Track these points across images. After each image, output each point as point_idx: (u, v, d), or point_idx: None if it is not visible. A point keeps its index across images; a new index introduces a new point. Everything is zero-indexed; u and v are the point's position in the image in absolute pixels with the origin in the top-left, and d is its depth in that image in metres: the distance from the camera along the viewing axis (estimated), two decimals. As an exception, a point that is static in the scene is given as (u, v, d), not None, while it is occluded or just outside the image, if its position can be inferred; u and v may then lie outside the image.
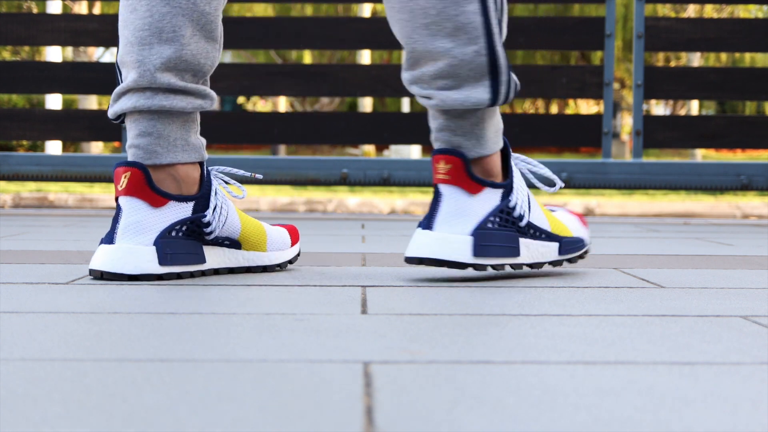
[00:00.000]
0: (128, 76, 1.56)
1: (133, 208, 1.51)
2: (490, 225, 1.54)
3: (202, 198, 1.57)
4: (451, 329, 1.09)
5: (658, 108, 25.20)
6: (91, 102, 16.15)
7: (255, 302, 1.29)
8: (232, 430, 0.67)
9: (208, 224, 1.57)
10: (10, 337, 1.01)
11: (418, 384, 0.81)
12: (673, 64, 21.98)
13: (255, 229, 1.67)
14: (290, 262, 1.72)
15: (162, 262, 1.50)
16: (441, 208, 1.54)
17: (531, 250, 1.58)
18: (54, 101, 13.37)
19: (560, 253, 1.61)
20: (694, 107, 20.32)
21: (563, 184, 1.66)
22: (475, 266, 1.53)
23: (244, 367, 0.87)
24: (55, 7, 13.83)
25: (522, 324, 1.13)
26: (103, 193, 9.95)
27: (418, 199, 9.51)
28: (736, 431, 0.68)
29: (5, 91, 4.06)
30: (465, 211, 1.53)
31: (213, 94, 1.59)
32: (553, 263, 1.62)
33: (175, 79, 1.54)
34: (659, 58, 21.17)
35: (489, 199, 1.54)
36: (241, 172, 1.67)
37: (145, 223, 1.51)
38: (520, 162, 1.62)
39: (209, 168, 1.62)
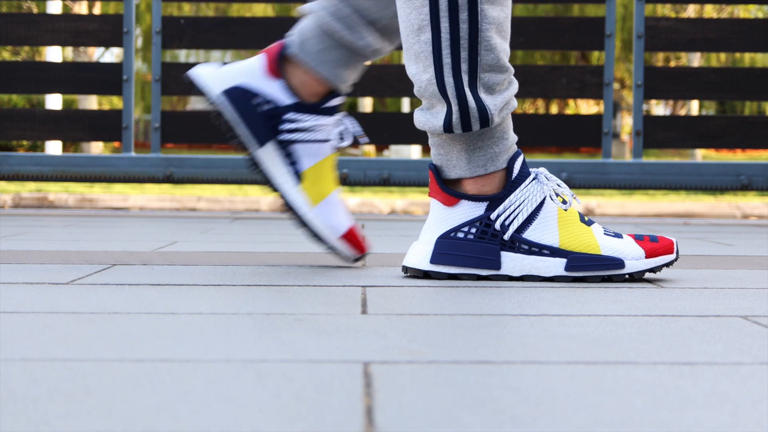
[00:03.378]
0: None
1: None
2: (461, 235, 1.57)
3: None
4: (451, 329, 1.09)
5: (658, 108, 25.19)
6: (91, 102, 16.14)
7: (255, 302, 1.29)
8: (232, 430, 0.67)
9: None
10: (10, 337, 1.01)
11: (418, 384, 0.81)
12: (673, 64, 21.98)
13: None
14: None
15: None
16: (426, 220, 1.62)
17: (520, 264, 1.56)
18: (54, 101, 13.36)
19: (567, 269, 1.56)
20: (694, 107, 20.32)
21: (572, 203, 1.63)
22: (431, 273, 1.57)
23: (244, 367, 0.87)
24: (55, 7, 13.82)
25: (522, 324, 1.13)
26: (103, 193, 9.94)
27: (418, 199, 9.51)
28: (736, 431, 0.68)
29: (5, 91, 4.06)
30: (439, 221, 1.59)
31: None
32: (562, 278, 1.57)
33: None
34: (659, 58, 21.16)
35: (466, 211, 1.58)
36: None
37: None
38: (543, 178, 1.61)
39: None
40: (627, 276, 1.58)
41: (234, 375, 0.83)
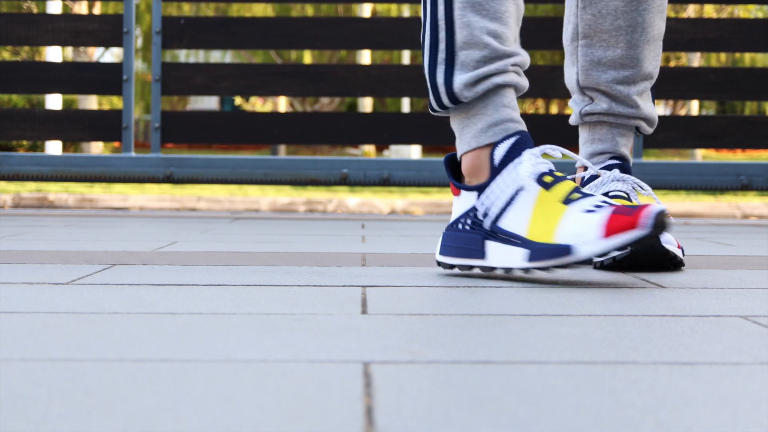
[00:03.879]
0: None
1: None
2: (460, 226, 1.60)
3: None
4: (451, 329, 1.09)
5: (658, 108, 25.19)
6: (91, 102, 16.15)
7: (255, 302, 1.29)
8: (232, 430, 0.67)
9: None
10: (10, 337, 1.01)
11: (418, 384, 0.81)
12: (673, 64, 21.97)
13: None
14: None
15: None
16: None
17: (499, 254, 1.54)
18: (54, 101, 13.37)
19: (528, 259, 1.49)
20: (694, 107, 20.32)
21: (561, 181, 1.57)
22: (441, 264, 1.63)
23: (244, 367, 0.87)
24: (55, 7, 13.83)
25: (522, 324, 1.13)
26: (103, 193, 9.94)
27: (418, 199, 9.51)
28: (735, 431, 0.68)
29: (5, 91, 4.06)
30: (453, 213, 1.64)
31: None
32: (524, 270, 1.51)
33: None
34: (659, 58, 21.14)
35: (466, 201, 1.60)
36: None
37: None
38: (528, 157, 1.56)
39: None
40: (595, 262, 1.55)
41: (234, 375, 0.83)
